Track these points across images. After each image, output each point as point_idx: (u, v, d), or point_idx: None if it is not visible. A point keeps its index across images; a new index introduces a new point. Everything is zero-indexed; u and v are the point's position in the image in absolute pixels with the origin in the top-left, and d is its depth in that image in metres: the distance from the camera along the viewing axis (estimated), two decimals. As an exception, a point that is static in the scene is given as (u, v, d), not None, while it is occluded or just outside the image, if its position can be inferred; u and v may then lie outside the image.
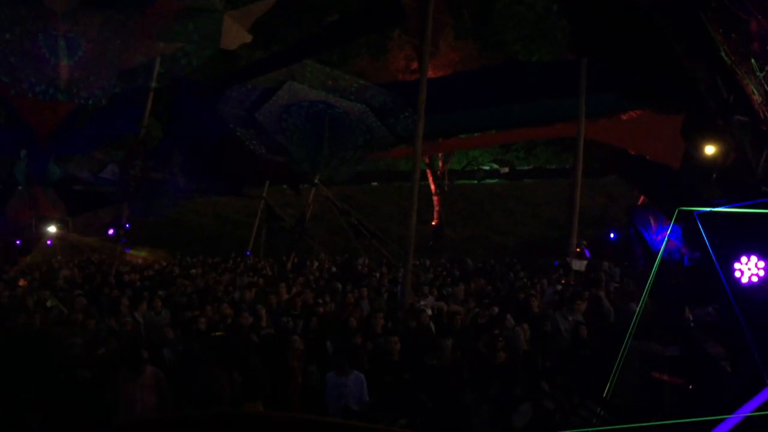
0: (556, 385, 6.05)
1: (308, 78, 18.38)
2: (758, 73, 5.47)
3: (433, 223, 32.06)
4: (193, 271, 18.73)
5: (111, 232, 20.39)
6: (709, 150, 6.62)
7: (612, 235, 22.61)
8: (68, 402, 7.90)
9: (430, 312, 12.16)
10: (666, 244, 13.73)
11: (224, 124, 18.99)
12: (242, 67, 22.04)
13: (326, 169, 20.55)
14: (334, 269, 20.22)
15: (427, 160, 31.20)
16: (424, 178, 31.01)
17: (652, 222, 18.30)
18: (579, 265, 14.95)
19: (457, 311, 12.07)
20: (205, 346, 9.47)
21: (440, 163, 33.15)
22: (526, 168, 36.64)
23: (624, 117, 17.42)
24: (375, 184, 37.47)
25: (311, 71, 18.30)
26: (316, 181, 21.26)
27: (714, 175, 6.30)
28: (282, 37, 25.27)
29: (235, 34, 17.30)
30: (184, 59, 17.16)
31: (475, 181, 36.94)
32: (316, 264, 20.89)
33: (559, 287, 14.66)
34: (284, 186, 26.59)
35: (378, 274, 17.69)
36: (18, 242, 20.92)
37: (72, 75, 15.82)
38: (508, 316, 10.62)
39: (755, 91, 5.66)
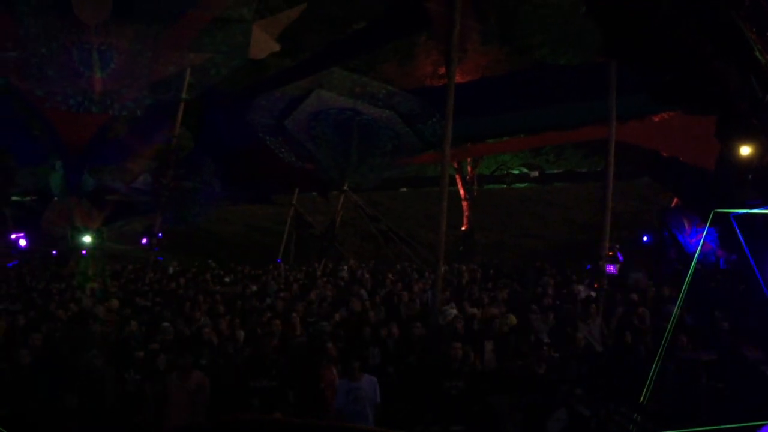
0: (591, 391, 5.98)
1: (336, 85, 18.49)
2: (793, 72, 5.37)
3: (463, 228, 31.94)
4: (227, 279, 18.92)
5: (144, 240, 20.67)
6: (744, 151, 6.51)
7: (645, 238, 22.30)
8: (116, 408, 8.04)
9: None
10: (701, 246, 13.54)
11: (253, 133, 19.18)
12: (271, 75, 22.23)
13: (355, 175, 20.63)
14: (367, 275, 20.23)
15: (455, 165, 31.10)
16: (453, 183, 30.90)
17: (686, 224, 18.04)
18: (612, 269, 14.79)
19: (494, 315, 12.00)
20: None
21: (469, 168, 33.02)
22: (555, 171, 36.35)
23: (656, 119, 17.21)
24: (404, 189, 37.47)
25: (339, 79, 18.41)
26: (345, 187, 21.34)
27: (749, 176, 6.19)
28: (309, 45, 25.42)
29: (263, 44, 17.49)
30: (214, 69, 17.39)
31: (505, 186, 36.77)
32: (345, 269, 20.89)
33: (593, 292, 14.52)
34: (313, 193, 26.72)
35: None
36: (54, 252, 21.31)
37: (105, 87, 16.12)
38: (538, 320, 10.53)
39: (791, 91, 5.57)
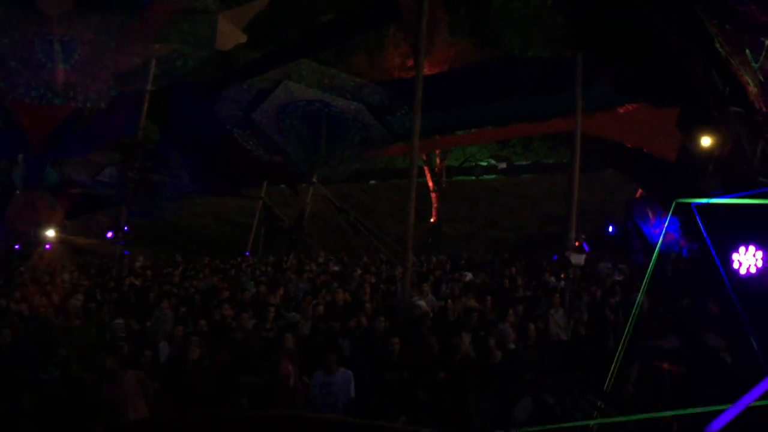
0: (556, 379, 6.08)
1: (304, 77, 18.40)
2: (753, 64, 5.48)
3: (432, 220, 32.07)
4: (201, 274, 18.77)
5: (110, 234, 20.40)
6: (706, 142, 6.64)
7: (611, 229, 22.63)
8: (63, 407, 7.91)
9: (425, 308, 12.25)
10: (664, 236, 13.77)
11: (221, 125, 19.00)
12: (238, 67, 22.04)
13: (324, 167, 20.55)
14: (336, 268, 20.22)
15: (424, 157, 31.19)
16: (422, 175, 31.00)
17: (650, 215, 18.34)
18: (578, 259, 14.97)
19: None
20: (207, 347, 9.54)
21: (437, 160, 33.14)
22: (523, 163, 36.66)
23: (621, 111, 17.44)
24: (373, 182, 37.48)
25: (307, 70, 18.33)
26: (313, 180, 21.27)
27: (710, 167, 6.32)
28: (277, 36, 25.25)
29: (229, 35, 17.28)
30: (180, 61, 17.16)
31: (473, 177, 36.98)
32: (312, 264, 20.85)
33: (561, 282, 14.72)
34: (282, 186, 26.61)
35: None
36: (17, 247, 20.92)
37: (68, 79, 15.81)
38: (511, 312, 10.64)
39: (750, 82, 5.68)
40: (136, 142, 18.67)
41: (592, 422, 4.78)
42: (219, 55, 19.37)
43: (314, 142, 19.55)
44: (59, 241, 18.91)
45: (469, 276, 17.05)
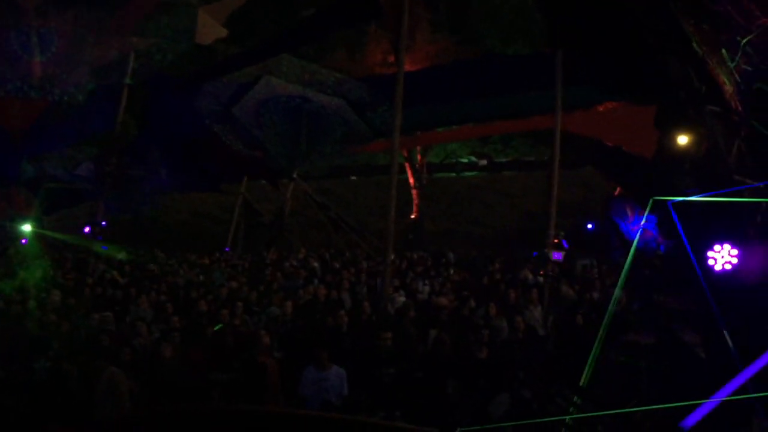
0: (533, 375, 6.13)
1: (285, 72, 18.33)
2: (729, 64, 5.55)
3: (413, 216, 32.10)
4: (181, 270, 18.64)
5: (87, 229, 20.19)
6: (682, 140, 6.70)
7: (590, 226, 22.77)
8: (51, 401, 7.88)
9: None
10: (642, 233, 13.88)
11: (200, 120, 18.88)
12: (218, 62, 21.89)
13: (304, 163, 20.51)
14: (315, 264, 20.15)
15: (405, 154, 31.20)
16: (403, 171, 31.00)
17: (629, 212, 18.47)
18: (557, 256, 15.09)
19: (442, 305, 12.13)
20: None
21: (419, 157, 33.16)
22: (504, 160, 36.78)
23: (600, 108, 17.56)
24: (354, 178, 37.39)
25: (288, 65, 18.26)
26: (294, 175, 21.19)
27: (687, 165, 6.39)
28: (258, 31, 25.09)
29: (209, 29, 17.21)
30: (159, 55, 17.06)
31: (454, 174, 37.02)
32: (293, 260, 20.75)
33: (540, 278, 14.80)
34: (262, 181, 26.47)
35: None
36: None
37: (45, 72, 15.64)
38: (492, 307, 10.70)
39: (726, 81, 5.74)
40: (114, 136, 18.47)
41: (567, 417, 4.82)
42: (199, 49, 19.27)
43: (294, 138, 19.50)
44: (35, 235, 18.67)
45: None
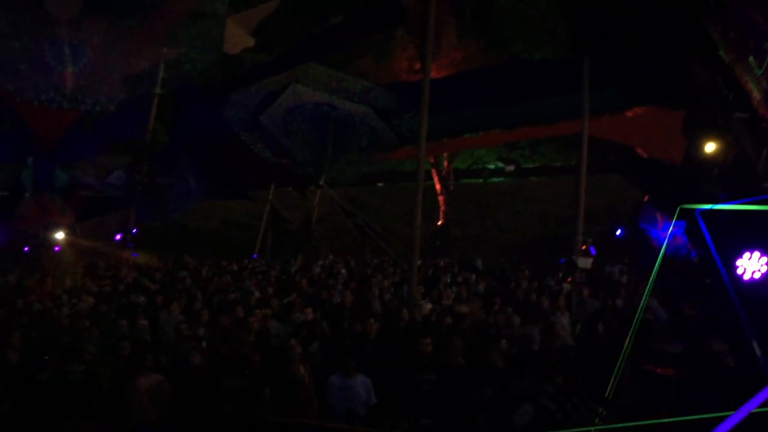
0: (557, 385, 6.10)
1: (311, 80, 18.48)
2: (756, 71, 5.49)
3: (439, 222, 32.06)
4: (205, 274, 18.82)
5: (118, 237, 20.51)
6: (710, 147, 6.64)
7: (618, 232, 22.52)
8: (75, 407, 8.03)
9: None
10: (672, 240, 13.71)
11: (229, 128, 19.10)
12: (246, 70, 22.14)
13: (331, 170, 20.63)
14: (343, 271, 20.24)
15: (432, 160, 31.18)
16: (430, 177, 30.99)
17: (658, 218, 18.27)
18: (585, 263, 14.96)
19: (464, 312, 12.11)
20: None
21: (445, 163, 33.13)
22: (531, 166, 36.59)
23: (629, 113, 17.39)
24: (381, 184, 37.49)
25: (314, 73, 18.41)
26: (321, 182, 21.32)
27: (715, 172, 6.33)
28: (285, 40, 25.31)
29: (237, 39, 17.41)
30: (188, 65, 17.29)
31: (481, 180, 36.94)
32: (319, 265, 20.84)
33: (567, 285, 14.71)
34: (290, 188, 26.66)
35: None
36: (26, 249, 21.04)
37: (77, 82, 15.95)
38: (514, 316, 10.65)
39: (754, 89, 5.68)
40: (145, 145, 18.77)
41: (593, 428, 4.80)
42: (227, 58, 19.50)
43: (321, 145, 19.62)
44: (68, 243, 19.00)
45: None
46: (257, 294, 14.14)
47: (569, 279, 15.25)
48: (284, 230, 24.67)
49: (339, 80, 18.82)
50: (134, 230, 19.16)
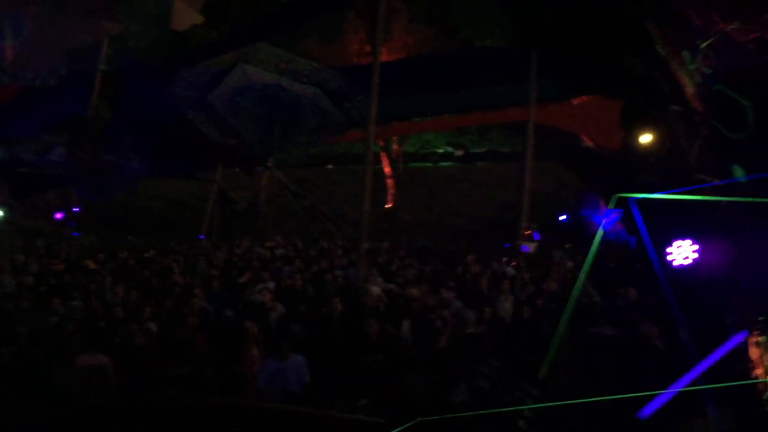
0: (493, 366, 6.28)
1: (261, 60, 18.27)
2: (690, 66, 5.70)
3: (388, 206, 32.20)
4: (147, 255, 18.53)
5: (59, 215, 20.02)
6: (646, 138, 6.85)
7: (563, 218, 23.00)
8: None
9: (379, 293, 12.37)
10: (614, 227, 14.10)
11: (175, 107, 18.76)
12: (194, 48, 21.73)
13: (279, 152, 20.49)
14: (291, 253, 20.17)
15: (381, 144, 31.24)
16: (379, 161, 31.06)
17: (601, 205, 18.74)
18: (528, 247, 15.28)
19: (414, 296, 12.23)
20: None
21: (395, 146, 33.20)
22: (479, 151, 36.95)
23: (575, 102, 17.71)
24: (330, 167, 37.37)
25: (264, 53, 18.21)
26: (269, 164, 21.17)
27: (650, 162, 6.55)
28: (234, 18, 24.93)
29: (185, 15, 17.10)
30: (133, 40, 16.92)
31: (430, 164, 37.16)
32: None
33: (511, 269, 14.98)
34: (237, 169, 26.38)
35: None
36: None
37: (17, 56, 15.45)
38: (452, 297, 10.83)
39: (688, 83, 5.90)
40: (87, 121, 18.31)
41: (524, 408, 4.96)
42: (174, 35, 19.13)
43: (270, 126, 19.45)
44: (5, 221, 18.49)
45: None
46: (202, 275, 14.04)
47: (513, 263, 15.54)
48: (231, 211, 24.45)
49: (289, 61, 18.66)
50: (75, 209, 18.72)
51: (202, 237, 24.70)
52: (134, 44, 16.89)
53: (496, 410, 4.31)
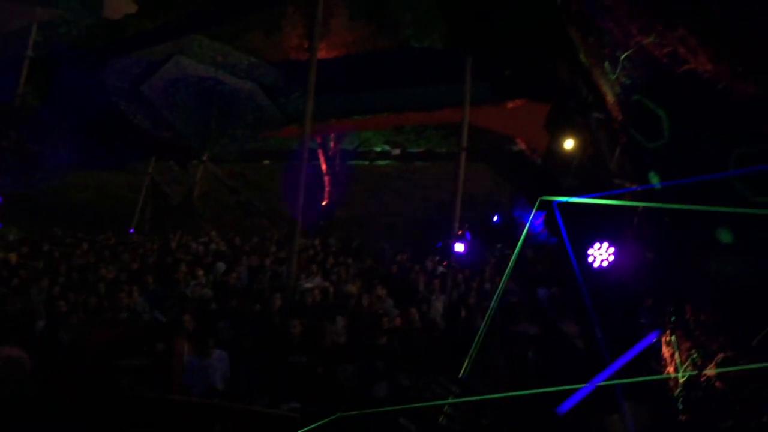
0: (414, 363, 6.42)
1: (197, 53, 18.03)
2: (610, 76, 5.94)
3: (324, 202, 32.16)
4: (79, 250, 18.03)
5: (-19, 206, 19.29)
6: (569, 144, 7.10)
7: (495, 218, 23.44)
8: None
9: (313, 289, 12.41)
10: (542, 228, 14.48)
11: (107, 97, 18.32)
12: (128, 37, 21.24)
13: (215, 146, 20.24)
14: (225, 248, 19.98)
15: (319, 140, 31.17)
16: (316, 157, 31.00)
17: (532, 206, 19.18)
18: (460, 247, 15.50)
19: (351, 293, 12.30)
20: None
21: (332, 144, 33.17)
22: (416, 150, 37.25)
23: (510, 105, 18.05)
24: (266, 162, 37.05)
25: (200, 46, 17.97)
26: (204, 158, 20.89)
27: (572, 167, 6.79)
28: (170, 8, 24.47)
29: (119, 3, 16.71)
30: (64, 27, 16.44)
31: (367, 162, 37.26)
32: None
33: (441, 269, 15.23)
34: (171, 162, 25.91)
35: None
36: None
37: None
38: (385, 295, 10.97)
39: (609, 92, 6.15)
40: (13, 109, 17.69)
41: (441, 402, 5.09)
42: (107, 23, 18.66)
43: (205, 120, 19.20)
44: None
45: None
46: (132, 269, 13.81)
47: (445, 263, 15.77)
48: (164, 205, 24.01)
49: (225, 54, 18.47)
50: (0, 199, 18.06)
51: (132, 231, 24.18)
52: (65, 31, 16.39)
53: (414, 405, 4.42)
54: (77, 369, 8.27)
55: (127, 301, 10.81)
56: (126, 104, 18.40)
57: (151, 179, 24.38)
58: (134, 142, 20.84)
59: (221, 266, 15.16)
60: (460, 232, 16.74)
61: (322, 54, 17.63)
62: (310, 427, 3.44)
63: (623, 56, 5.42)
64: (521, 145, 20.71)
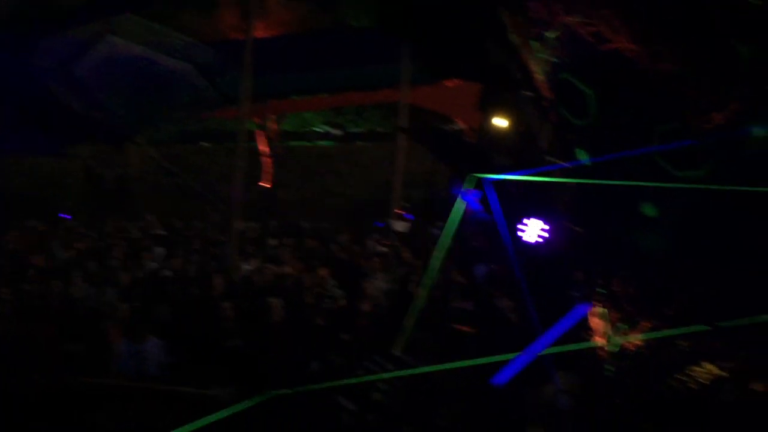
0: (347, 341, 6.50)
1: (129, 32, 17.56)
2: (538, 54, 6.06)
3: (264, 184, 31.85)
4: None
5: None
6: (500, 122, 7.23)
7: (434, 197, 23.59)
8: None
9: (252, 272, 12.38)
10: (475, 206, 14.69)
11: (37, 78, 17.70)
12: (56, 16, 20.51)
13: (149, 127, 19.82)
14: (162, 232, 19.67)
15: (258, 121, 30.81)
16: (255, 139, 30.66)
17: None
18: (401, 226, 15.66)
19: (286, 273, 12.32)
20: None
21: (272, 125, 32.81)
22: (357, 131, 37.18)
23: (448, 84, 18.18)
24: (205, 144, 36.43)
25: (132, 25, 17.50)
26: (138, 140, 20.44)
27: (505, 145, 6.92)
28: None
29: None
30: (-13, 5, 15.75)
31: (308, 143, 37.04)
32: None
33: (382, 248, 15.34)
34: (105, 145, 25.23)
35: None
36: None
37: None
38: (326, 275, 11.02)
39: (537, 71, 6.28)
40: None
41: (374, 377, 5.17)
42: (35, 3, 18.01)
43: (139, 101, 18.75)
44: None
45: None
46: (64, 256, 13.48)
47: (387, 243, 15.89)
48: (99, 189, 23.42)
49: (159, 34, 18.04)
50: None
51: (66, 216, 23.50)
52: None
53: (347, 382, 4.49)
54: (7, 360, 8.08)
55: (63, 288, 10.58)
56: (56, 85, 17.81)
57: (84, 163, 23.72)
58: (66, 124, 20.22)
59: (160, 251, 14.94)
60: (399, 212, 16.88)
61: (260, 33, 17.39)
62: (240, 405, 3.44)
63: (550, 35, 5.54)
64: (460, 125, 20.92)
